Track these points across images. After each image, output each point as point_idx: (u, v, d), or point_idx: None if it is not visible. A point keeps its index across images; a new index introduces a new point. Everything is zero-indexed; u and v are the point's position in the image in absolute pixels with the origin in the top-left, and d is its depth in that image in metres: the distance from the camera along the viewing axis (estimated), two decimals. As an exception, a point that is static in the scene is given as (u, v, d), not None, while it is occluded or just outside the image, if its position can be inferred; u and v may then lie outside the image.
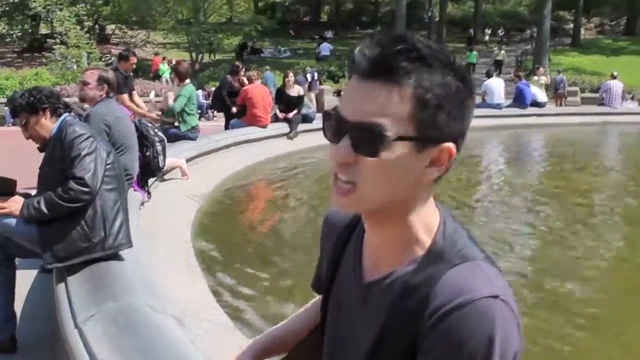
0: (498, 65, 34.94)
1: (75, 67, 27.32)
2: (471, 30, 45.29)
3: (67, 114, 4.18)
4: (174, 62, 18.60)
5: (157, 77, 29.60)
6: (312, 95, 17.49)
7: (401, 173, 1.12)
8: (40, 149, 4.17)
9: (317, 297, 1.58)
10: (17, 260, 4.06)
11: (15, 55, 36.88)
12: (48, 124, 4.07)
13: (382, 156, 1.09)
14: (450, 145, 1.13)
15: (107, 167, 3.96)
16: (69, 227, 3.77)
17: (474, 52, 37.35)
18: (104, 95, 6.08)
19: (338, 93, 21.69)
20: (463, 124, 1.15)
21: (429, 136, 1.11)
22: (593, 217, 9.47)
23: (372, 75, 1.10)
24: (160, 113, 10.18)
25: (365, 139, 1.10)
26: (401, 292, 1.16)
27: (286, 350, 1.57)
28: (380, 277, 1.21)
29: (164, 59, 31.25)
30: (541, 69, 25.95)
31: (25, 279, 4.43)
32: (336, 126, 1.14)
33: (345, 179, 1.13)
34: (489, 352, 1.04)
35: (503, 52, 38.49)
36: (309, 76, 25.75)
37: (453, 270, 1.12)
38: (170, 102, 9.91)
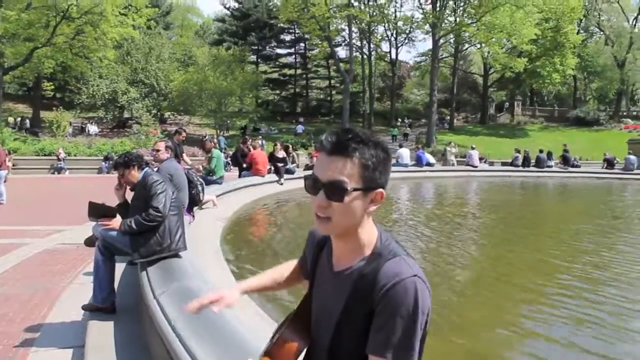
0: (405, 136, 38.46)
1: (144, 137, 27.21)
2: (400, 119, 45.91)
3: (147, 167, 4.23)
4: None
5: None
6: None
7: (356, 209, 1.18)
8: (131, 189, 4.20)
9: (287, 262, 1.61)
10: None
11: (108, 130, 36.63)
12: (135, 174, 4.09)
13: (345, 201, 1.16)
14: (382, 190, 1.20)
15: (172, 200, 3.98)
16: (148, 237, 3.78)
17: (395, 129, 39.87)
18: (168, 156, 6.14)
19: (310, 167, 19.84)
20: (387, 177, 1.22)
21: (370, 186, 1.18)
22: (462, 230, 9.66)
23: (334, 152, 1.16)
24: (201, 168, 10.24)
25: (335, 191, 1.15)
26: (358, 277, 1.19)
27: (263, 291, 1.60)
28: (343, 269, 1.24)
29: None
30: (452, 143, 25.99)
31: (119, 268, 4.40)
32: (313, 185, 1.19)
33: (323, 215, 1.18)
34: (415, 308, 1.10)
35: (408, 128, 41.89)
36: (260, 142, 25.35)
37: (388, 263, 1.17)
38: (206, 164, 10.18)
